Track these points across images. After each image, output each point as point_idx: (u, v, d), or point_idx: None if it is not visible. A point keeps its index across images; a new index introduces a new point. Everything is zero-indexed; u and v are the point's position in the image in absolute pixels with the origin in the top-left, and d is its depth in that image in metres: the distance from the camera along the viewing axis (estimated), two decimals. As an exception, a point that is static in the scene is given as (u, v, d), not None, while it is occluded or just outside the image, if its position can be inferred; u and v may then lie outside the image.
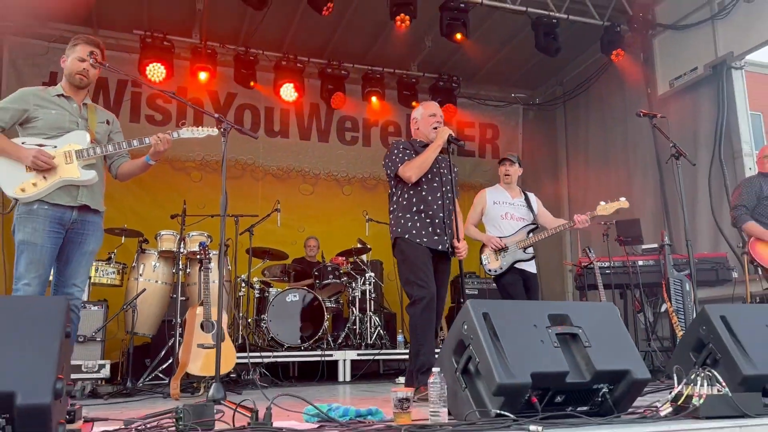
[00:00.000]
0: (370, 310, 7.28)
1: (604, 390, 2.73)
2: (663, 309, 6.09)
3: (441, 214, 4.29)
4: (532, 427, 2.29)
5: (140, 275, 6.15)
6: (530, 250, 5.29)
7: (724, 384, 2.75)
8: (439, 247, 4.25)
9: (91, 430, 2.30)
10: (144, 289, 6.01)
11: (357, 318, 7.33)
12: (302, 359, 6.91)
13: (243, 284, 7.07)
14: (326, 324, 6.87)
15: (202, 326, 5.07)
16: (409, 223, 4.26)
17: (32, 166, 3.52)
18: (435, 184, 4.35)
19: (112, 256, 6.25)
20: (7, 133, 3.63)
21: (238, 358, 6.27)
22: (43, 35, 7.84)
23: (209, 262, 5.40)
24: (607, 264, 6.54)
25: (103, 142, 3.85)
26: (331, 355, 6.71)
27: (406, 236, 4.23)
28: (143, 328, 6.17)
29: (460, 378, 2.68)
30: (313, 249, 8.15)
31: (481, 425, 2.42)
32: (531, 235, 5.29)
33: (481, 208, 5.49)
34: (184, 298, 6.07)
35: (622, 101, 8.27)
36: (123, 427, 2.39)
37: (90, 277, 5.95)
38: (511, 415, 2.46)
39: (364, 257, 7.64)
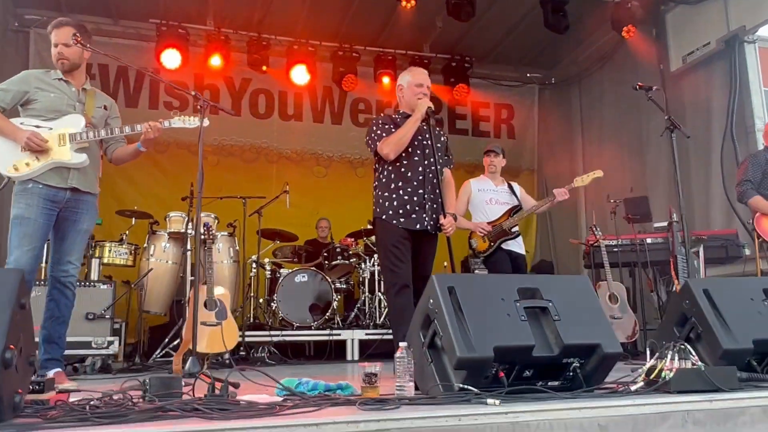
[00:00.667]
0: (379, 291, 7.30)
1: (575, 364, 2.69)
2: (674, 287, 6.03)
3: (421, 191, 4.10)
4: (489, 401, 2.28)
5: (151, 255, 6.33)
6: (515, 229, 5.53)
7: (697, 357, 2.74)
8: (417, 227, 4.08)
9: (67, 400, 2.36)
10: (151, 269, 6.17)
11: (366, 298, 7.38)
12: (310, 338, 7.01)
13: (254, 265, 7.19)
14: (335, 304, 6.95)
15: (205, 304, 5.18)
16: (387, 203, 4.13)
17: (25, 147, 3.65)
18: (416, 158, 4.15)
19: (124, 237, 6.41)
20: (8, 113, 3.77)
21: (249, 336, 6.43)
22: (67, 27, 8.01)
23: (213, 243, 5.51)
24: (614, 242, 6.47)
25: (99, 127, 3.95)
26: (339, 335, 6.78)
27: (383, 217, 4.12)
28: (156, 306, 6.38)
29: (427, 352, 2.68)
30: (324, 230, 8.22)
31: (441, 399, 2.40)
32: (515, 215, 5.55)
33: (467, 198, 5.70)
34: (193, 278, 6.20)
35: (636, 78, 8.00)
36: (97, 397, 2.46)
37: (101, 257, 6.14)
38: (474, 389, 2.44)
39: (374, 238, 7.66)
